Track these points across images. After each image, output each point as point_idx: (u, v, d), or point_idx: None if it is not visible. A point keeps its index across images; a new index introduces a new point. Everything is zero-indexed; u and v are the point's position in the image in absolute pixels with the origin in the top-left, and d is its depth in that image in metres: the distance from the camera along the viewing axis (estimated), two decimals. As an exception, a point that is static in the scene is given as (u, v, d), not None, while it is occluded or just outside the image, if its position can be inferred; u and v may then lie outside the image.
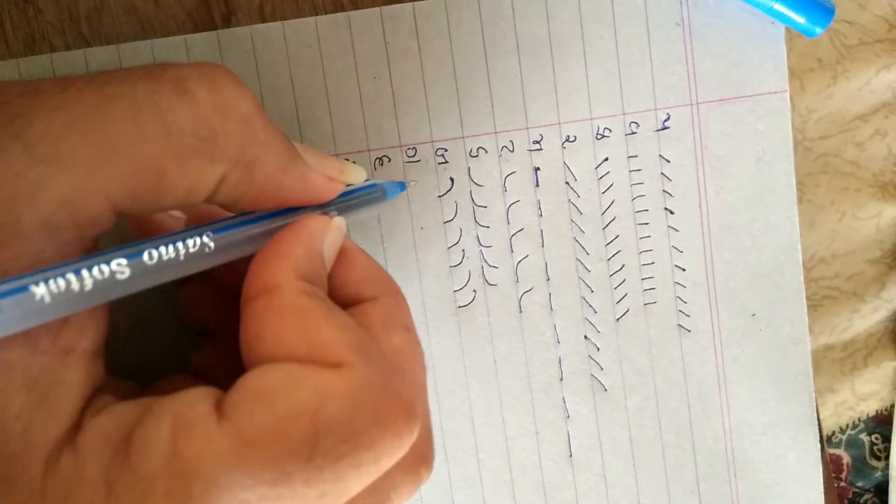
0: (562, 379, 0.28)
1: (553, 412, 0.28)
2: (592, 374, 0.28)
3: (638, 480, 0.28)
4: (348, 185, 0.22)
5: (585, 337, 0.28)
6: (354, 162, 0.27)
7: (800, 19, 0.25)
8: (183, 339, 0.24)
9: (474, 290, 0.28)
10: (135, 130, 0.16)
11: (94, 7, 0.26)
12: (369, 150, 0.27)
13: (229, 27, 0.26)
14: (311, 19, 0.26)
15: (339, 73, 0.26)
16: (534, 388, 0.28)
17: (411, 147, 0.27)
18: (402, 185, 0.26)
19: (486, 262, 0.27)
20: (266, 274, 0.18)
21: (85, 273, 0.15)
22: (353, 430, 0.16)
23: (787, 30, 0.26)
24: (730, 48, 0.26)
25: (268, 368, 0.16)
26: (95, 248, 0.17)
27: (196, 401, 0.16)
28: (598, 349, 0.28)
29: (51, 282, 0.14)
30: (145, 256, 0.16)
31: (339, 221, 0.21)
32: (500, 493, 0.28)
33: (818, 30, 0.25)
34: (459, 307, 0.28)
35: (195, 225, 0.18)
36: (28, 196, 0.15)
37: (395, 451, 0.17)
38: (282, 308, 0.17)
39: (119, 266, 0.16)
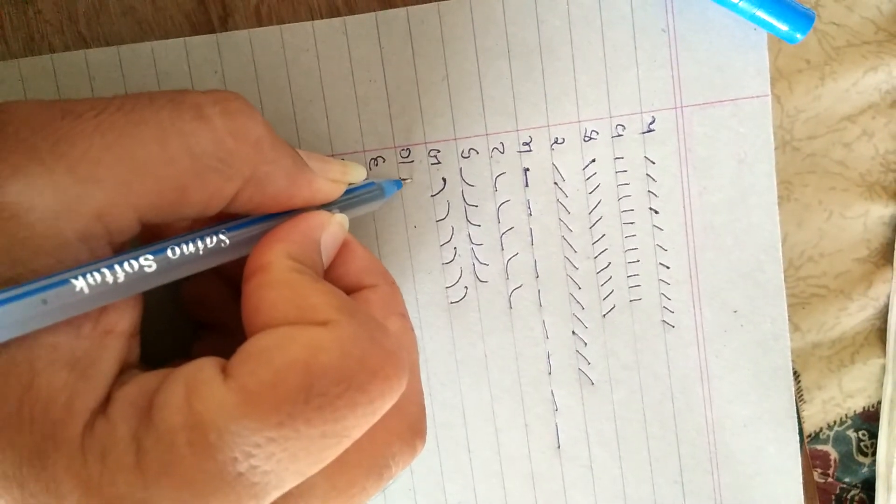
0: (550, 373, 0.29)
1: (542, 405, 0.29)
2: (580, 369, 0.29)
3: (623, 471, 0.29)
4: (350, 184, 0.24)
5: (573, 332, 0.29)
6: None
7: (782, 26, 0.26)
8: (183, 330, 0.25)
9: (466, 287, 0.28)
10: (161, 153, 0.18)
11: (92, 8, 0.27)
12: (364, 151, 0.28)
13: (226, 29, 0.27)
14: (308, 24, 0.27)
15: (335, 76, 0.27)
16: (523, 381, 0.29)
17: (405, 148, 0.28)
18: (398, 183, 0.27)
19: (477, 259, 0.28)
20: (260, 255, 0.20)
21: (118, 268, 0.17)
22: (344, 374, 0.18)
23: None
24: (713, 53, 0.27)
25: (263, 333, 0.18)
26: (125, 249, 0.19)
27: (204, 366, 0.18)
28: (586, 344, 0.29)
29: (88, 276, 0.17)
30: (169, 252, 0.19)
31: (340, 218, 0.23)
32: (490, 484, 0.29)
33: (799, 36, 0.25)
34: (451, 303, 0.29)
35: (212, 224, 0.20)
36: (70, 210, 0.17)
37: (386, 395, 0.18)
38: (273, 282, 0.19)
39: (147, 261, 0.18)
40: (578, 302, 0.28)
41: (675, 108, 0.27)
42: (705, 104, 0.27)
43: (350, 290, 0.23)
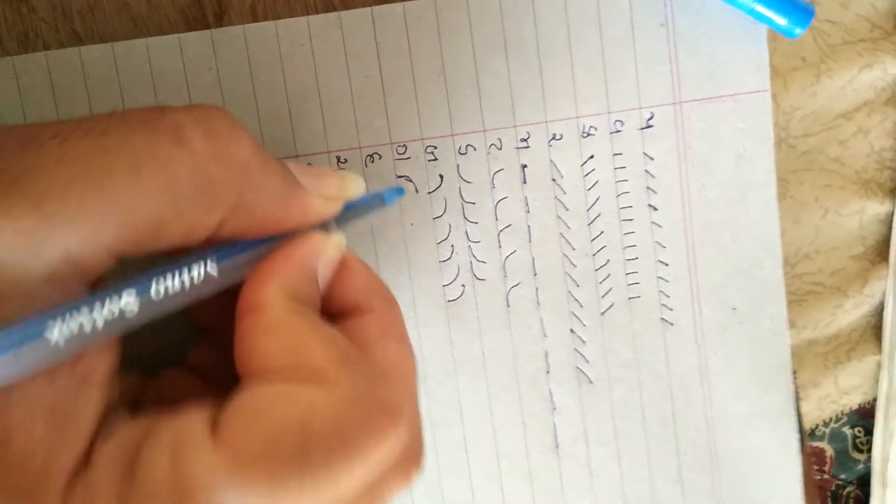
0: (548, 371, 0.29)
1: (539, 403, 0.29)
2: (578, 367, 0.29)
3: (622, 470, 0.29)
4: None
5: (571, 330, 0.29)
6: (347, 159, 0.27)
7: (781, 20, 0.26)
8: (180, 334, 0.25)
9: (463, 285, 0.28)
10: (134, 184, 0.16)
11: (86, 5, 0.27)
12: (360, 148, 0.27)
13: (221, 26, 0.27)
14: (304, 19, 0.27)
15: (330, 72, 0.27)
16: (521, 380, 0.29)
17: (402, 144, 0.27)
18: (399, 191, 0.27)
19: (474, 257, 0.28)
20: (255, 293, 0.19)
21: (96, 313, 0.16)
22: (341, 438, 0.17)
23: (771, 30, 0.27)
24: (713, 48, 0.27)
25: (256, 388, 0.17)
26: (100, 283, 0.18)
27: (192, 422, 0.17)
28: (584, 342, 0.29)
29: (63, 325, 0.15)
30: (152, 291, 0.17)
31: (337, 238, 0.21)
32: (488, 483, 0.29)
33: (798, 30, 0.25)
34: (448, 301, 0.28)
35: (199, 251, 0.19)
36: (35, 252, 0.15)
37: (385, 457, 0.18)
38: (268, 325, 0.18)
39: (128, 303, 0.16)
40: (577, 300, 0.28)
41: (674, 103, 0.27)
42: (704, 99, 0.27)
43: (348, 312, 0.21)
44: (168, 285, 0.17)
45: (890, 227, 0.33)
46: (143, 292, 0.17)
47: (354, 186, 0.23)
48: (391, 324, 0.22)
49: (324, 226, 0.21)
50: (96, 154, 0.16)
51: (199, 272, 0.18)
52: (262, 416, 0.17)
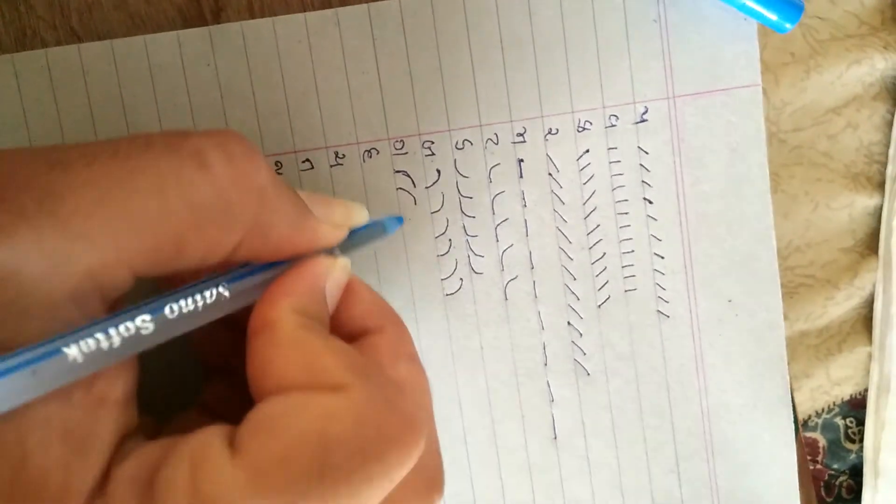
0: (546, 364, 0.29)
1: (538, 396, 0.29)
2: (575, 359, 0.29)
3: (620, 461, 0.29)
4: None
5: (568, 323, 0.29)
6: (344, 154, 0.28)
7: (771, 16, 0.26)
8: (191, 374, 0.25)
9: (461, 279, 0.28)
10: (158, 205, 0.17)
11: (84, 2, 0.27)
12: (358, 143, 0.27)
13: (219, 22, 0.27)
14: (301, 15, 0.27)
15: (328, 68, 0.27)
16: (519, 373, 0.29)
17: (399, 140, 0.28)
18: (399, 220, 0.27)
19: (472, 251, 0.28)
20: (266, 311, 0.19)
21: (112, 331, 0.16)
22: (360, 445, 0.17)
23: (761, 26, 0.27)
24: (705, 44, 0.27)
25: (273, 400, 0.17)
26: (119, 303, 0.18)
27: (210, 439, 0.17)
28: (581, 335, 0.29)
29: (81, 342, 0.16)
30: (167, 311, 0.17)
31: (343, 262, 0.22)
32: (488, 475, 0.29)
33: (788, 26, 0.26)
34: (447, 295, 0.28)
35: (212, 274, 0.19)
36: (59, 271, 0.16)
37: (404, 463, 0.18)
38: (281, 341, 0.18)
39: (143, 322, 0.17)
40: (573, 293, 0.29)
41: (668, 98, 0.28)
42: (697, 94, 0.28)
43: (356, 334, 0.22)
44: (182, 305, 0.18)
45: (879, 220, 0.33)
46: (157, 311, 0.17)
47: (359, 215, 0.23)
48: (400, 343, 0.22)
49: (329, 252, 0.22)
50: (122, 176, 0.17)
51: (212, 293, 0.18)
52: (280, 425, 0.17)
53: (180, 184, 0.17)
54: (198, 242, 0.18)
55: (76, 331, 0.16)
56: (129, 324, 0.16)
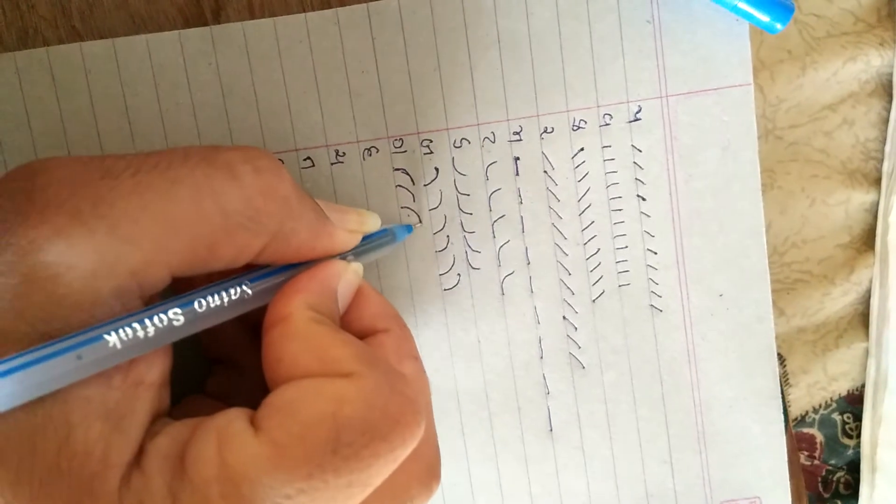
0: (542, 357, 0.29)
1: (534, 389, 0.30)
2: (570, 353, 0.29)
3: (614, 452, 0.30)
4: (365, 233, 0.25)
5: (564, 317, 0.29)
6: (345, 153, 0.28)
7: (763, 17, 0.26)
8: (196, 364, 0.26)
9: (459, 274, 0.29)
10: (195, 212, 0.19)
11: (86, 1, 0.27)
12: (358, 142, 0.28)
13: (219, 22, 0.27)
14: (302, 16, 0.27)
15: (328, 67, 0.28)
16: (515, 366, 0.29)
17: (398, 138, 0.28)
18: (409, 228, 0.28)
19: (469, 247, 0.29)
20: (281, 306, 0.21)
21: (147, 322, 0.18)
22: (369, 425, 0.18)
23: (754, 25, 0.27)
24: (697, 44, 0.28)
25: (289, 385, 0.19)
26: (155, 300, 0.20)
27: (233, 419, 0.18)
28: (576, 329, 0.29)
29: (121, 331, 0.17)
30: (196, 305, 0.19)
31: (355, 266, 0.24)
32: (485, 467, 0.30)
33: (779, 26, 0.26)
34: (445, 290, 0.29)
35: (236, 275, 0.21)
36: (107, 269, 0.18)
37: (407, 442, 0.19)
38: (294, 333, 0.20)
39: (175, 315, 0.19)
40: (569, 287, 0.29)
41: (661, 97, 0.28)
42: (690, 93, 0.28)
43: (364, 334, 0.23)
44: (210, 301, 0.20)
45: (875, 217, 0.33)
46: (188, 305, 0.19)
47: (372, 222, 0.26)
48: (405, 344, 0.24)
49: (342, 257, 0.24)
50: (164, 186, 0.19)
51: (237, 290, 0.20)
52: (297, 407, 0.18)
53: (214, 192, 0.19)
54: (229, 246, 0.20)
55: (116, 320, 0.18)
56: (163, 315, 0.18)
